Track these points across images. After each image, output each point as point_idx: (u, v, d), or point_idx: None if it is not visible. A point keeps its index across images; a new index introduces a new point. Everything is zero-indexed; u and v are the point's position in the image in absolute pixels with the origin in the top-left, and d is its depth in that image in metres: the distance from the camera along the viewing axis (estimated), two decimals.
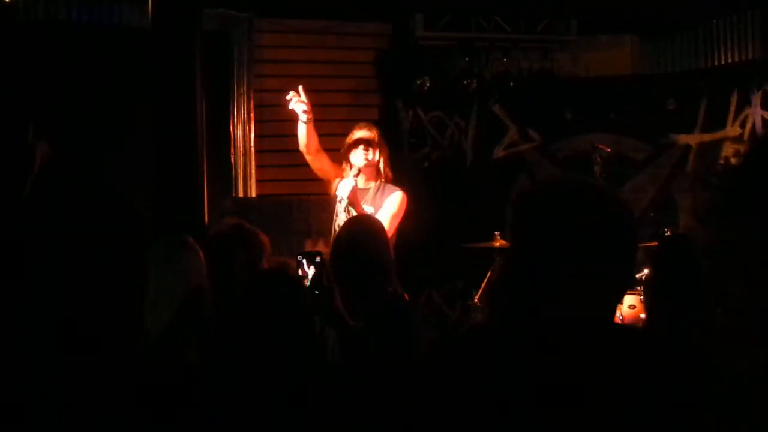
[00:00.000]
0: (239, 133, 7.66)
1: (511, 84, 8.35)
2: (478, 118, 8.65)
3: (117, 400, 1.90)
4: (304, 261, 3.50)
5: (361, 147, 5.95)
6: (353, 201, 5.75)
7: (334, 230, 6.07)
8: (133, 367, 1.99)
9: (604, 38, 8.72)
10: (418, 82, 8.20)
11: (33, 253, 1.87)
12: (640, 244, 7.40)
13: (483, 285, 6.90)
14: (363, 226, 4.11)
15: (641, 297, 6.11)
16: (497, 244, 6.85)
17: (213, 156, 6.39)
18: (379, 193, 5.97)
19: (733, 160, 8.15)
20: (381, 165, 5.99)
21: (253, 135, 7.65)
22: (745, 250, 1.61)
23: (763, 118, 7.97)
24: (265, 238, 4.23)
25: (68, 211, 1.97)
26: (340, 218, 5.80)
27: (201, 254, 3.40)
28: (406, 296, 4.04)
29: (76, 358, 1.88)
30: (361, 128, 6.10)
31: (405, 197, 5.96)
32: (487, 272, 6.90)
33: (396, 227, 5.77)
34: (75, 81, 6.77)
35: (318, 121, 7.79)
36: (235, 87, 7.66)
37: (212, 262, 3.67)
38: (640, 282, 6.09)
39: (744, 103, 8.06)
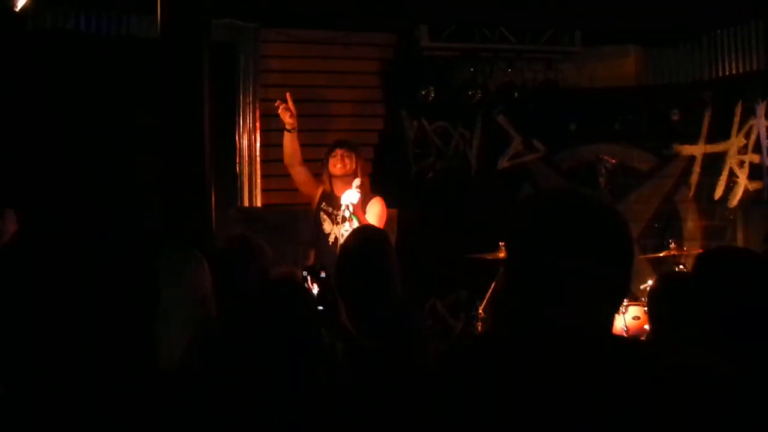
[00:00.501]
0: (245, 142, 7.68)
1: (516, 95, 8.36)
2: (482, 128, 8.67)
3: (125, 408, 1.91)
4: (308, 277, 3.50)
5: (338, 156, 6.42)
6: (358, 212, 6.07)
7: (334, 238, 6.22)
8: (141, 375, 2.00)
9: (608, 49, 8.74)
10: (423, 92, 8.21)
11: (41, 264, 1.88)
12: (643, 255, 7.42)
13: (487, 296, 6.90)
14: (371, 235, 4.13)
15: (645, 308, 6.11)
16: (502, 254, 6.84)
17: (219, 165, 6.41)
18: (363, 201, 6.28)
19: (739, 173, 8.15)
20: (358, 173, 6.39)
21: (258, 144, 7.67)
22: None
23: (767, 129, 7.97)
24: (268, 249, 4.24)
25: (76, 222, 1.98)
26: (345, 227, 6.02)
27: (206, 265, 3.42)
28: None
29: (85, 368, 1.89)
30: (337, 146, 6.55)
31: (383, 202, 6.44)
32: (492, 283, 6.91)
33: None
34: (82, 90, 6.79)
35: (323, 131, 7.88)
36: (241, 97, 7.68)
37: (217, 273, 3.69)
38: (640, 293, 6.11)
39: (749, 113, 8.06)
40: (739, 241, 7.90)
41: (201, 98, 4.88)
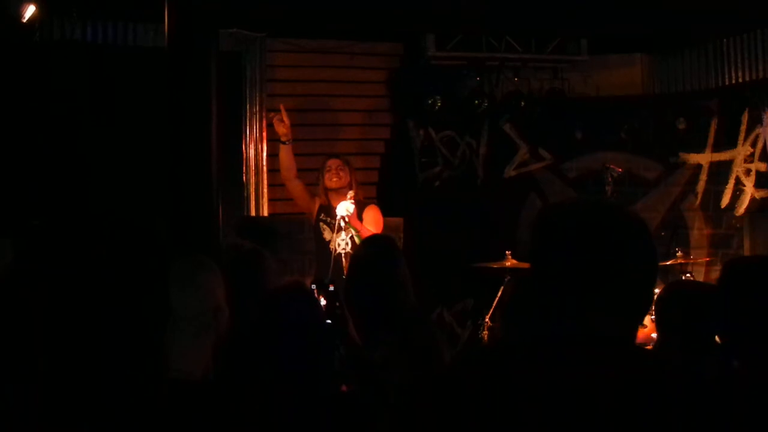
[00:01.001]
0: (251, 151, 7.68)
1: (522, 103, 8.36)
2: (489, 137, 8.68)
3: (137, 417, 1.92)
4: (315, 290, 3.49)
5: (333, 170, 6.61)
6: (355, 223, 6.27)
7: (335, 249, 6.29)
8: (153, 385, 2.01)
9: (614, 57, 8.74)
10: (430, 101, 8.22)
11: (53, 277, 1.90)
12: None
13: (494, 304, 6.90)
14: (380, 244, 4.12)
15: (652, 317, 6.10)
16: (508, 263, 6.85)
17: (225, 175, 6.42)
18: (360, 209, 6.47)
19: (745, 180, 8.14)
20: (352, 185, 6.56)
21: (265, 154, 7.67)
22: None
23: None
24: (271, 259, 4.24)
25: (84, 233, 2.00)
26: (342, 236, 6.30)
27: (219, 274, 3.42)
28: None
29: (96, 377, 1.90)
30: (328, 160, 6.75)
31: (378, 208, 6.65)
32: (498, 291, 6.90)
33: None
34: (89, 100, 6.81)
35: (330, 140, 7.89)
36: (248, 106, 7.68)
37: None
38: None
39: (755, 122, 8.05)
40: (746, 249, 7.88)
41: (208, 107, 4.89)
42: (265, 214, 7.72)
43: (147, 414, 2.01)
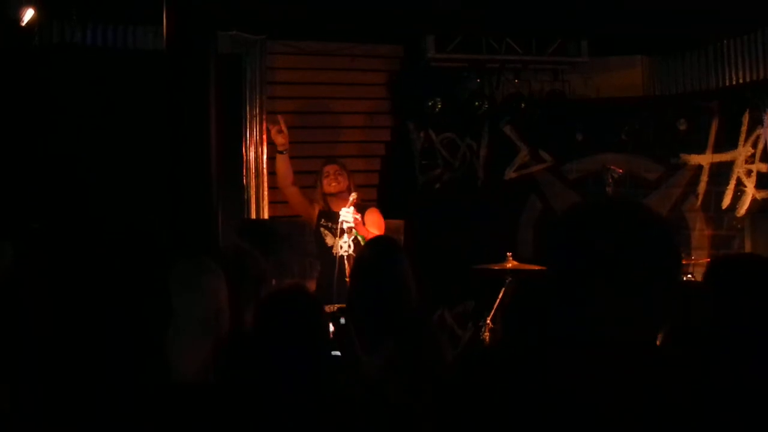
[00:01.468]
0: (252, 154, 7.68)
1: (523, 105, 8.36)
2: (489, 139, 8.67)
3: (138, 420, 1.92)
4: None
5: (331, 175, 6.63)
6: (360, 228, 6.26)
7: (337, 253, 6.29)
8: (154, 388, 2.00)
9: (615, 59, 8.74)
10: (430, 103, 8.22)
11: (53, 279, 1.89)
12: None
13: (495, 306, 6.88)
14: (385, 245, 4.10)
15: None
16: (509, 264, 6.84)
17: (225, 178, 6.42)
18: (360, 212, 6.43)
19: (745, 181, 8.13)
20: (351, 188, 6.56)
21: (265, 156, 7.67)
22: None
23: None
24: (265, 262, 4.23)
25: (87, 236, 1.99)
26: (344, 238, 6.28)
27: (222, 276, 3.40)
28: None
29: (98, 381, 1.89)
30: (325, 164, 6.77)
31: (378, 211, 6.66)
32: (499, 293, 6.89)
33: None
34: (88, 103, 6.81)
35: (330, 142, 7.89)
36: (248, 109, 7.68)
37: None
38: None
39: (756, 123, 8.04)
40: (747, 249, 7.86)
41: (207, 110, 4.88)
42: (266, 216, 7.71)
43: (148, 417, 2.01)
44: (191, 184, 4.83)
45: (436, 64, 8.10)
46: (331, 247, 6.50)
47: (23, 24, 6.01)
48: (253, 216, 7.69)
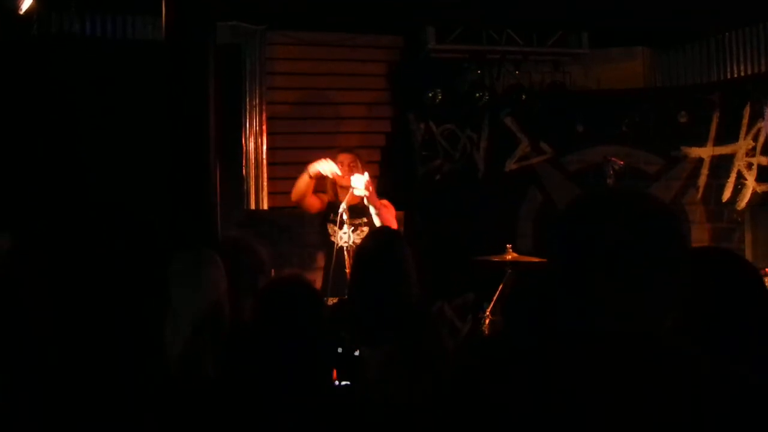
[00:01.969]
0: (251, 145, 7.66)
1: (523, 97, 8.35)
2: (489, 130, 8.66)
3: (138, 414, 1.90)
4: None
5: (345, 167, 6.37)
6: (373, 199, 6.10)
7: (336, 243, 6.18)
8: (153, 382, 1.98)
9: (615, 51, 8.72)
10: (430, 94, 8.20)
11: (51, 270, 1.87)
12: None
13: (495, 297, 6.87)
14: (387, 236, 4.09)
15: None
16: (509, 256, 6.82)
17: (225, 168, 6.40)
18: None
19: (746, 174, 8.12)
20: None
21: (265, 147, 7.66)
22: None
23: None
24: (265, 252, 4.22)
25: (85, 226, 1.97)
26: (344, 229, 6.01)
27: (222, 268, 3.39)
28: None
29: (97, 375, 1.88)
30: (340, 152, 6.54)
31: (389, 204, 6.39)
32: (499, 285, 6.88)
33: None
34: (87, 93, 6.79)
35: (330, 133, 7.87)
36: (248, 99, 7.67)
37: None
38: None
39: (757, 116, 8.03)
40: (747, 243, 7.87)
41: (206, 101, 4.86)
42: (265, 207, 7.70)
43: (147, 410, 1.99)
44: (190, 174, 4.80)
45: (436, 55, 8.08)
46: (334, 242, 6.31)
47: (21, 13, 5.99)
48: (253, 207, 7.68)
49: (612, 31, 8.19)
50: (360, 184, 6.09)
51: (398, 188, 8.04)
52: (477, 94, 8.28)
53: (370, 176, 6.23)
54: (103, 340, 1.90)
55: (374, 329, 3.60)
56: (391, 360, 3.42)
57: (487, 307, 6.98)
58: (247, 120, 7.65)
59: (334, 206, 6.33)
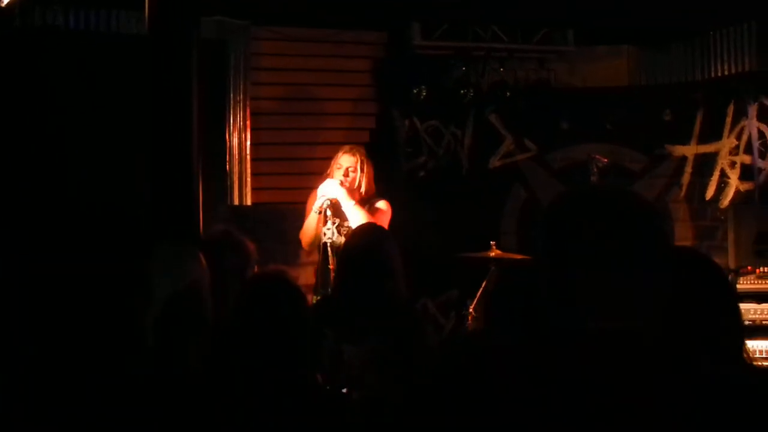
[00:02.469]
0: (235, 140, 7.63)
1: (508, 94, 8.34)
2: (474, 127, 8.65)
3: (120, 408, 1.89)
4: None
5: (344, 171, 6.27)
6: (339, 209, 6.01)
7: (320, 239, 6.12)
8: (136, 376, 1.98)
9: (601, 49, 8.73)
10: (415, 91, 8.18)
11: (33, 264, 1.86)
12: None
13: (478, 294, 6.87)
14: (374, 234, 4.08)
15: None
16: (492, 253, 6.83)
17: (208, 163, 6.36)
18: (366, 207, 6.25)
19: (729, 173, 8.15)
20: (363, 188, 6.31)
21: (248, 143, 7.62)
22: None
23: (759, 130, 7.98)
24: (252, 246, 4.21)
25: (67, 220, 1.96)
26: (328, 225, 5.96)
27: (203, 262, 3.37)
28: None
29: (80, 370, 1.87)
30: (345, 153, 6.39)
31: (389, 205, 6.35)
32: (483, 282, 6.88)
33: None
34: (69, 87, 6.74)
35: (314, 129, 7.85)
36: (232, 95, 7.63)
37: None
38: None
39: (740, 114, 8.07)
40: (730, 241, 7.89)
41: (190, 96, 4.84)
42: (248, 203, 7.67)
43: (133, 406, 1.98)
44: (173, 169, 4.78)
45: (421, 52, 8.07)
46: (321, 240, 6.17)
47: (3, 5, 5.95)
48: (236, 203, 7.65)
49: (597, 29, 8.19)
50: (329, 191, 6.02)
51: (382, 184, 8.02)
52: (462, 91, 8.27)
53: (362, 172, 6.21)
54: (85, 333, 1.89)
55: (358, 327, 3.59)
56: (375, 357, 3.41)
57: (471, 305, 6.99)
58: (231, 115, 7.62)
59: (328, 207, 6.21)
